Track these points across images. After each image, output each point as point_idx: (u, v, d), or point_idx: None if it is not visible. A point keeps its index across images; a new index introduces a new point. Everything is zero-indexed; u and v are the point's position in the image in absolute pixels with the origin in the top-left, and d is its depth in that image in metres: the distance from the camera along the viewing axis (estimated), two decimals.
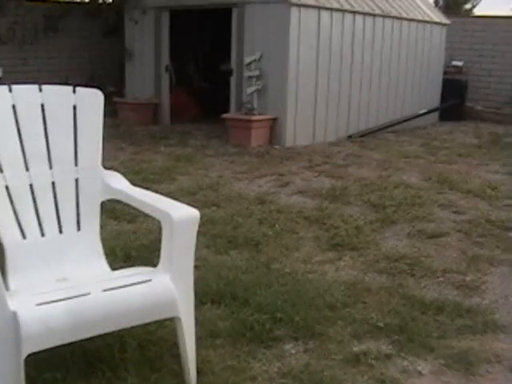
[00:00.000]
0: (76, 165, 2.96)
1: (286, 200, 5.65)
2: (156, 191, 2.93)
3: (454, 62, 12.46)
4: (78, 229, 2.94)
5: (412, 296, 3.54)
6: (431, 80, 11.32)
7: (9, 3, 10.04)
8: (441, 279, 3.85)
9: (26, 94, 2.87)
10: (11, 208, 2.78)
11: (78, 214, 2.95)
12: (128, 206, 2.93)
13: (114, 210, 4.82)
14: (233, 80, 8.82)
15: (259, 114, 8.30)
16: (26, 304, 2.23)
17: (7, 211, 2.78)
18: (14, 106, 2.81)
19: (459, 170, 7.19)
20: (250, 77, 8.48)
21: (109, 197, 3.01)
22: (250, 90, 8.46)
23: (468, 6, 23.01)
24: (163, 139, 8.56)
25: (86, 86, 3.09)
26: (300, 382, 2.68)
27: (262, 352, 2.90)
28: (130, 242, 4.27)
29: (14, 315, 2.14)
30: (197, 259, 3.81)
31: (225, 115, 8.49)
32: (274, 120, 8.38)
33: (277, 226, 4.75)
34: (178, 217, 2.51)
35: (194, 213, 2.55)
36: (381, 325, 3.17)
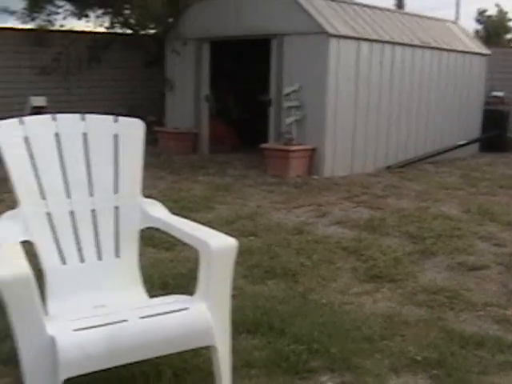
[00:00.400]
0: (116, 193, 3.01)
1: (323, 230, 5.62)
2: (194, 220, 2.96)
3: (495, 93, 12.32)
4: (117, 256, 2.98)
5: (451, 330, 3.48)
6: (471, 110, 11.21)
7: (54, 34, 10.32)
8: (481, 313, 3.77)
9: (69, 122, 2.94)
10: (52, 234, 2.84)
11: (116, 242, 2.99)
12: (166, 233, 2.95)
13: (152, 238, 4.86)
14: (272, 110, 8.88)
15: (298, 144, 8.32)
16: (63, 329, 2.26)
17: (48, 237, 2.83)
18: (57, 134, 2.88)
19: (500, 202, 7.08)
20: (290, 107, 8.52)
21: (148, 225, 3.04)
22: (289, 120, 8.50)
23: (509, 36, 22.85)
24: (202, 168, 8.64)
25: (128, 115, 3.15)
26: None
27: (297, 383, 2.87)
28: (167, 270, 4.30)
29: (52, 340, 2.17)
30: (234, 288, 3.81)
31: (263, 145, 8.53)
32: (313, 150, 8.38)
33: (314, 256, 4.73)
34: (216, 246, 2.52)
35: (231, 242, 2.56)
36: (419, 358, 3.11)
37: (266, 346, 3.16)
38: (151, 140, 9.64)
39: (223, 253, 2.53)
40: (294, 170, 8.20)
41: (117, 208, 3.00)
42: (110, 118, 3.02)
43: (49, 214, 2.84)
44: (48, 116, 2.91)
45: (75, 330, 2.26)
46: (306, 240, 5.18)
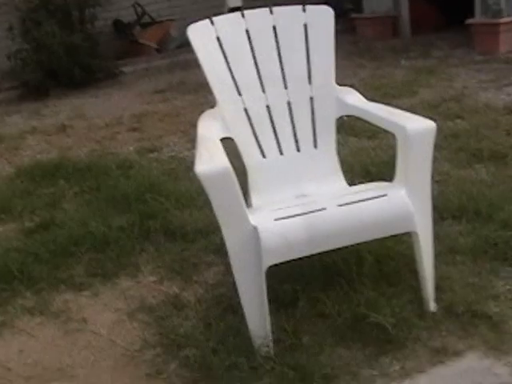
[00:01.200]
0: (310, 83, 2.99)
1: None
2: (396, 106, 2.87)
3: None
4: (315, 146, 2.99)
5: None
6: None
7: None
8: None
9: (258, 17, 2.94)
10: (251, 129, 2.93)
11: (314, 132, 3.01)
12: (368, 122, 2.90)
13: (354, 128, 4.84)
14: None
15: (508, 16, 7.61)
16: (265, 219, 2.35)
17: (247, 133, 2.92)
18: (247, 31, 2.91)
19: None
20: None
21: (344, 113, 3.01)
22: None
23: None
24: (403, 52, 8.28)
25: (320, 3, 3.07)
26: None
27: (505, 270, 2.76)
28: (369, 158, 4.27)
29: (255, 230, 2.27)
30: (438, 174, 3.73)
31: (469, 21, 7.91)
32: None
33: None
34: (413, 129, 2.43)
35: (430, 124, 2.45)
36: None
37: (472, 232, 3.05)
38: (349, 28, 9.45)
39: (421, 136, 2.43)
40: (504, 44, 7.55)
41: (312, 99, 3.00)
42: (298, 7, 2.97)
43: (246, 110, 2.92)
44: (237, 13, 2.94)
45: (276, 220, 2.34)
46: None
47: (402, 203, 2.41)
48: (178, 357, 2.49)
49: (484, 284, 2.67)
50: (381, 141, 4.62)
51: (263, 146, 2.94)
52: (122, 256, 3.31)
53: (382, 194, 2.46)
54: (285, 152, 2.97)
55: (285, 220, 2.33)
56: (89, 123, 6.58)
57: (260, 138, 2.94)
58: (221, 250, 2.87)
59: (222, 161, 2.27)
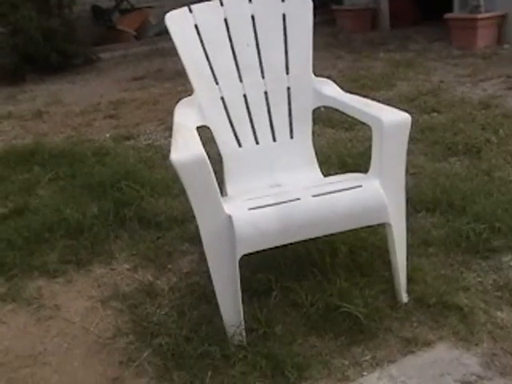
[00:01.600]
0: (287, 73, 2.99)
1: None
2: (374, 98, 2.87)
3: None
4: (291, 136, 3.00)
5: None
6: None
7: None
8: None
9: (237, 5, 2.93)
10: (227, 118, 2.92)
11: (290, 123, 3.01)
12: (345, 114, 2.90)
13: (331, 119, 4.86)
14: None
15: (486, 12, 7.67)
16: (239, 209, 2.35)
17: (224, 121, 2.92)
18: (225, 19, 2.90)
19: None
20: None
21: (320, 104, 3.01)
22: None
23: None
24: (382, 45, 8.32)
25: None
26: None
27: (477, 263, 2.79)
28: (345, 149, 4.29)
29: (229, 219, 2.27)
30: (413, 166, 3.76)
31: (447, 15, 7.97)
32: (503, 17, 7.68)
33: (501, 131, 4.43)
34: (389, 121, 2.44)
35: (405, 117, 2.46)
36: None
37: (445, 224, 3.09)
38: (329, 20, 9.45)
39: (396, 128, 2.44)
40: (481, 40, 7.61)
41: (289, 89, 3.00)
42: None
43: (223, 99, 2.91)
44: (216, 1, 2.93)
45: (250, 209, 2.34)
46: (492, 115, 4.86)
47: (376, 194, 2.42)
48: (151, 345, 2.48)
49: (455, 276, 2.70)
50: (357, 132, 4.65)
51: (239, 135, 2.94)
52: (96, 243, 3.30)
53: (356, 185, 2.47)
54: (261, 141, 2.97)
55: (259, 210, 2.33)
56: (65, 109, 6.53)
57: (236, 127, 2.94)
58: (195, 239, 2.87)
59: (197, 149, 2.26)
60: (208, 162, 2.22)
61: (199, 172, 2.21)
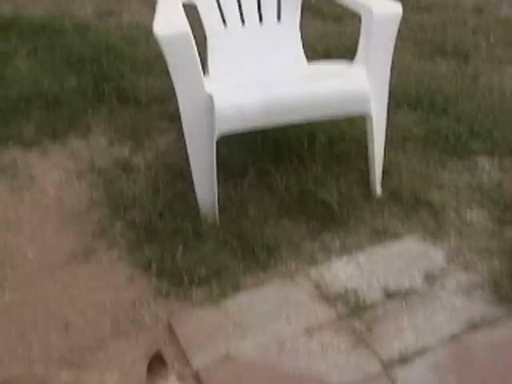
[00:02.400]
0: None
1: (508, 11, 5.11)
2: None
3: None
4: (278, 19, 2.91)
5: None
6: None
7: None
8: None
9: None
10: None
11: (278, 4, 2.91)
12: (335, 5, 2.81)
13: (321, 10, 4.72)
14: None
15: None
16: (221, 88, 2.31)
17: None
18: None
19: None
20: None
21: None
22: None
23: None
24: None
25: None
26: (489, 199, 2.59)
27: (453, 163, 2.82)
28: (332, 41, 4.20)
29: (210, 98, 2.23)
30: (399, 64, 3.66)
31: None
32: None
33: (492, 37, 4.35)
34: (379, 11, 2.38)
35: (396, 8, 2.39)
36: None
37: (425, 122, 3.09)
38: None
39: (386, 19, 2.38)
40: None
41: None
42: None
43: None
44: None
45: (232, 89, 2.31)
46: (485, 20, 4.74)
47: (359, 83, 2.38)
48: (125, 218, 2.50)
49: (430, 173, 2.73)
50: (346, 25, 4.52)
51: (225, 14, 2.85)
52: (73, 117, 3.24)
53: (340, 71, 2.43)
54: (247, 22, 2.88)
55: (241, 90, 2.30)
56: None
57: (222, 4, 2.84)
58: (174, 118, 2.83)
59: (181, 23, 2.20)
60: (191, 35, 2.15)
61: (182, 46, 2.15)
